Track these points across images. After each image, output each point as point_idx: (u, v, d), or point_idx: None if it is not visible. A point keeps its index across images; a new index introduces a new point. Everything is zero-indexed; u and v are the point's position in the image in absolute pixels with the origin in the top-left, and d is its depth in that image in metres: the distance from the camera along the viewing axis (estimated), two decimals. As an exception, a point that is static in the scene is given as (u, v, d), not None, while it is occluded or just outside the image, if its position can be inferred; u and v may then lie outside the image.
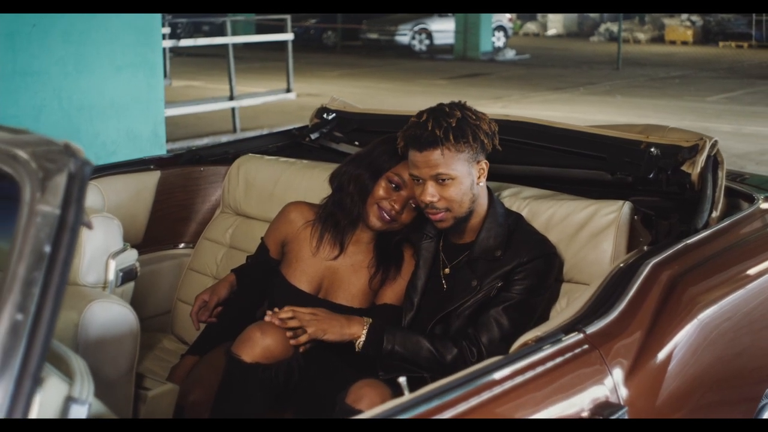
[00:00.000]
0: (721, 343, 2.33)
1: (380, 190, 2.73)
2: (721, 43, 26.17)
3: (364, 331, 2.53)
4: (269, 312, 2.53)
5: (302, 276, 2.81)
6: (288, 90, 12.01)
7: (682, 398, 2.16)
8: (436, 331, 2.64)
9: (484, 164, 2.62)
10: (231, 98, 11.25)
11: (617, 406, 1.91)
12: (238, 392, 2.45)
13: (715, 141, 2.96)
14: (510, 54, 23.38)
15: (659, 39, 28.66)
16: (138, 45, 6.46)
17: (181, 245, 3.60)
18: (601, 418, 1.86)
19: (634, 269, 2.24)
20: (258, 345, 2.45)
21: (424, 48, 25.46)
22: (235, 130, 11.15)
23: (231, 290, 2.99)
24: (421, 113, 2.60)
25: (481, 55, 22.82)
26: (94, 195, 2.67)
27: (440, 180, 2.54)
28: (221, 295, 2.97)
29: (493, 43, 24.50)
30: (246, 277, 2.99)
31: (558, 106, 14.15)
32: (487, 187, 2.71)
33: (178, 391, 2.54)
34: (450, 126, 2.52)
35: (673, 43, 27.73)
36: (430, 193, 2.55)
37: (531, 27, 32.95)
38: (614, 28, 25.87)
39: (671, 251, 2.38)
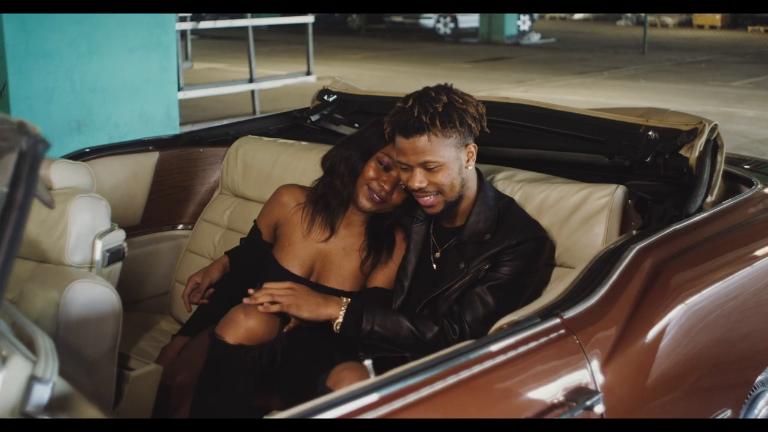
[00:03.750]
0: (707, 330, 2.29)
1: (370, 171, 2.70)
2: (749, 28, 25.89)
3: (342, 312, 2.48)
4: (250, 294, 2.51)
5: (294, 259, 2.80)
6: (308, 73, 11.98)
7: (664, 385, 2.13)
8: (423, 314, 2.61)
9: (473, 147, 2.57)
10: (251, 81, 11.24)
11: (592, 392, 1.88)
12: (221, 373, 2.44)
13: (715, 125, 2.91)
14: (535, 38, 23.23)
15: (687, 23, 28.37)
16: (151, 27, 6.47)
17: (180, 226, 3.61)
18: (575, 405, 1.83)
19: (618, 254, 2.20)
20: (241, 326, 2.45)
21: (448, 31, 25.37)
22: (255, 113, 11.15)
23: (224, 272, 2.99)
24: (407, 98, 2.55)
25: (506, 39, 22.68)
26: (84, 176, 2.66)
27: (428, 167, 2.50)
28: (214, 277, 2.96)
29: (519, 26, 24.34)
30: (238, 260, 2.98)
31: (580, 90, 14.04)
32: (477, 170, 2.67)
33: (161, 371, 2.53)
34: (436, 111, 2.47)
35: (701, 27, 27.44)
36: (419, 179, 2.51)
37: (558, 10, 32.69)
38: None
39: (658, 236, 2.35)
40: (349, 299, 2.52)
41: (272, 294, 2.47)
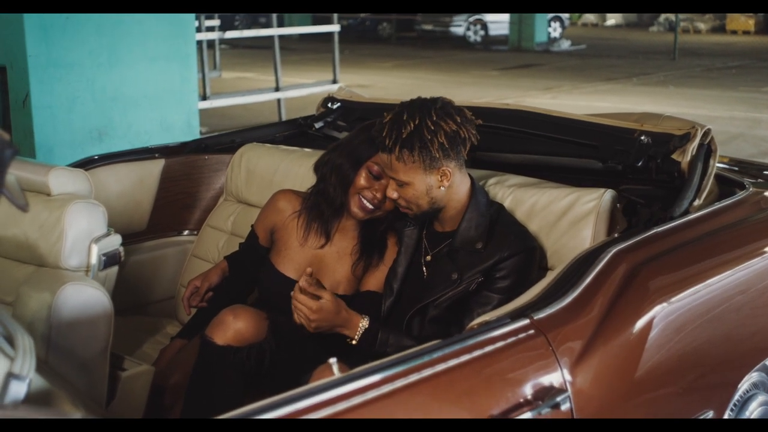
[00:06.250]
0: (686, 332, 2.30)
1: (361, 180, 2.75)
2: (783, 32, 25.67)
3: (357, 335, 2.56)
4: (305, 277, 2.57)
5: (290, 264, 2.86)
6: (334, 81, 12.05)
7: (640, 386, 2.15)
8: (414, 320, 2.66)
9: (447, 170, 2.57)
10: (277, 89, 11.33)
11: (559, 391, 1.91)
12: (210, 374, 2.50)
13: (708, 129, 2.93)
14: (565, 44, 23.19)
15: (720, 29, 28.18)
16: (171, 37, 6.56)
17: (186, 232, 3.68)
18: (541, 403, 1.87)
19: (595, 256, 2.23)
20: (230, 328, 2.51)
21: (479, 39, 25.38)
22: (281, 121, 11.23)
23: (223, 276, 3.05)
24: (389, 111, 2.62)
25: (536, 46, 22.66)
26: (82, 182, 2.74)
27: (397, 183, 2.60)
28: (213, 281, 3.03)
29: (549, 33, 24.31)
30: (237, 264, 3.04)
31: (608, 96, 14.00)
32: (470, 176, 2.71)
33: (153, 372, 2.60)
34: (399, 137, 2.52)
35: (734, 32, 27.25)
36: (390, 190, 2.63)
37: (589, 17, 32.61)
38: (674, 17, 25.47)
39: (638, 238, 2.37)
40: (368, 321, 2.58)
41: (302, 316, 2.53)
